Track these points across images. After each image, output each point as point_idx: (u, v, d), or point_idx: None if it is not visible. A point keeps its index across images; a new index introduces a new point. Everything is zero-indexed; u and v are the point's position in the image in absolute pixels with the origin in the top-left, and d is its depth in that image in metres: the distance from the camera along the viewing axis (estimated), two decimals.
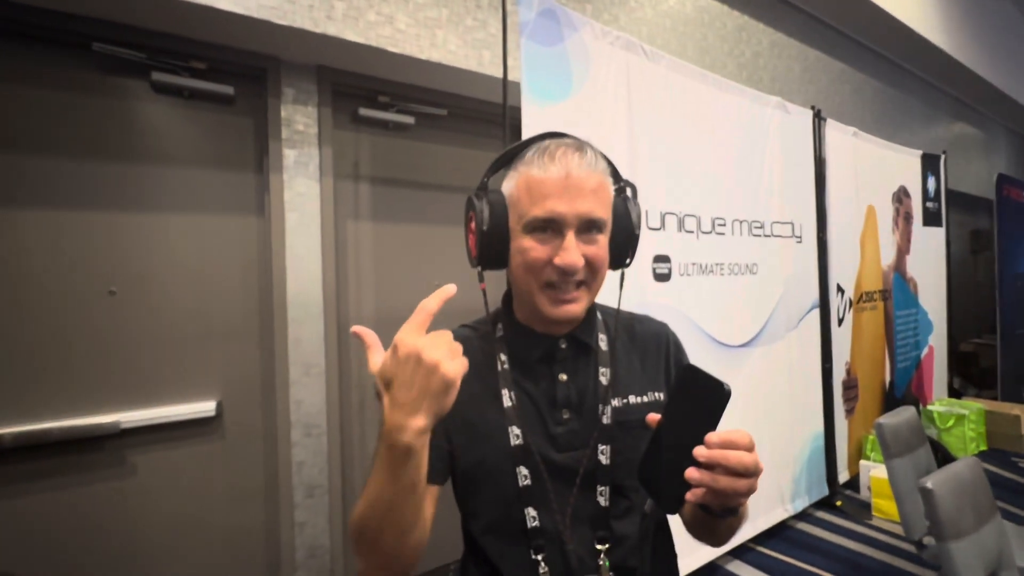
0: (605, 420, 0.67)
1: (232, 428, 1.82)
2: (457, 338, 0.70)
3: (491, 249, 0.67)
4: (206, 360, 1.78)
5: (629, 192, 0.72)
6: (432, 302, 0.51)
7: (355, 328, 0.53)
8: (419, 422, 0.51)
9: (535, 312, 0.68)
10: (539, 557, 0.63)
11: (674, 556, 0.75)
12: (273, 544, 1.87)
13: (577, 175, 0.63)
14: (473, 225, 0.67)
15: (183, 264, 1.74)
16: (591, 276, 0.66)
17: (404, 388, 0.50)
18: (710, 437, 0.50)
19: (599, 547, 0.64)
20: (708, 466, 0.49)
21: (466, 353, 0.68)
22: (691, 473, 0.50)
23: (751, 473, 0.50)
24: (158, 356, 1.69)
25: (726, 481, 0.49)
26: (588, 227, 0.64)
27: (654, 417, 0.56)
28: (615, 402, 0.68)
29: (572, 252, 0.62)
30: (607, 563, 0.64)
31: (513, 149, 0.68)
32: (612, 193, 0.69)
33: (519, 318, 0.73)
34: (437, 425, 0.56)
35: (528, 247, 0.64)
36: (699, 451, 0.49)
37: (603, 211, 0.66)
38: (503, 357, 0.70)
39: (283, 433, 1.85)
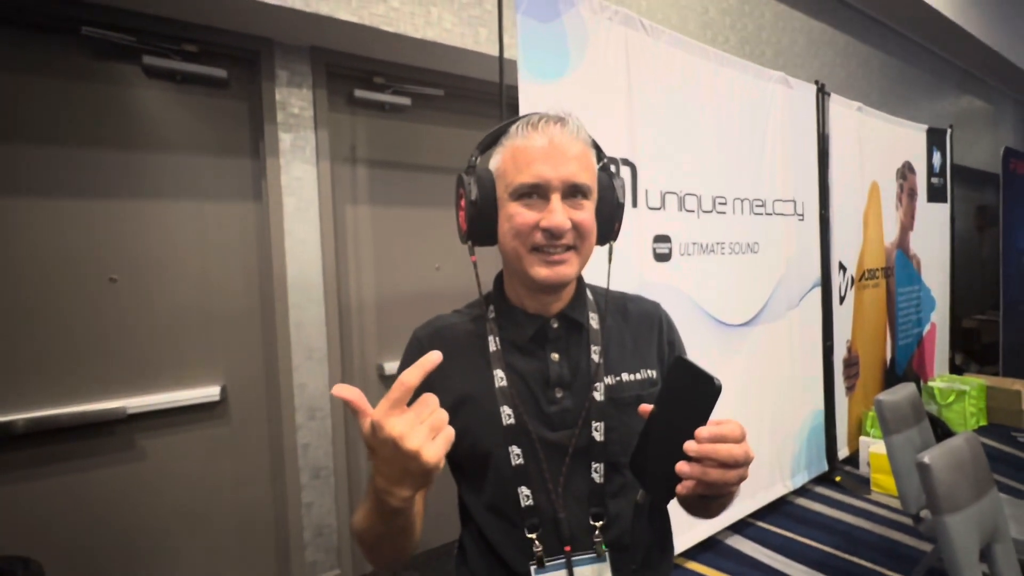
0: (598, 397, 0.67)
1: (237, 412, 1.85)
2: (446, 325, 0.74)
3: (480, 222, 0.68)
4: (209, 346, 1.79)
5: (612, 167, 0.74)
6: (412, 375, 0.47)
7: (338, 391, 0.47)
8: (404, 492, 0.50)
9: (526, 281, 0.68)
10: (533, 536, 0.63)
11: (670, 533, 0.76)
12: (281, 524, 1.91)
13: (560, 141, 0.65)
14: (463, 202, 0.68)
15: (182, 250, 1.74)
16: (580, 240, 0.66)
17: (386, 464, 0.49)
18: (700, 431, 0.50)
19: (594, 524, 0.65)
20: (699, 459, 0.50)
21: (456, 337, 0.72)
22: (681, 467, 0.50)
23: (741, 464, 0.50)
24: (161, 342, 1.71)
25: (716, 473, 0.50)
26: (573, 191, 0.65)
27: (646, 408, 0.57)
28: (608, 379, 0.69)
29: (558, 214, 0.63)
30: (602, 541, 0.64)
31: (499, 128, 0.70)
32: (595, 163, 0.70)
33: (510, 299, 0.73)
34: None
35: (515, 212, 0.65)
36: (689, 446, 0.50)
37: (587, 177, 0.66)
38: (494, 338, 0.70)
39: (288, 416, 1.88)
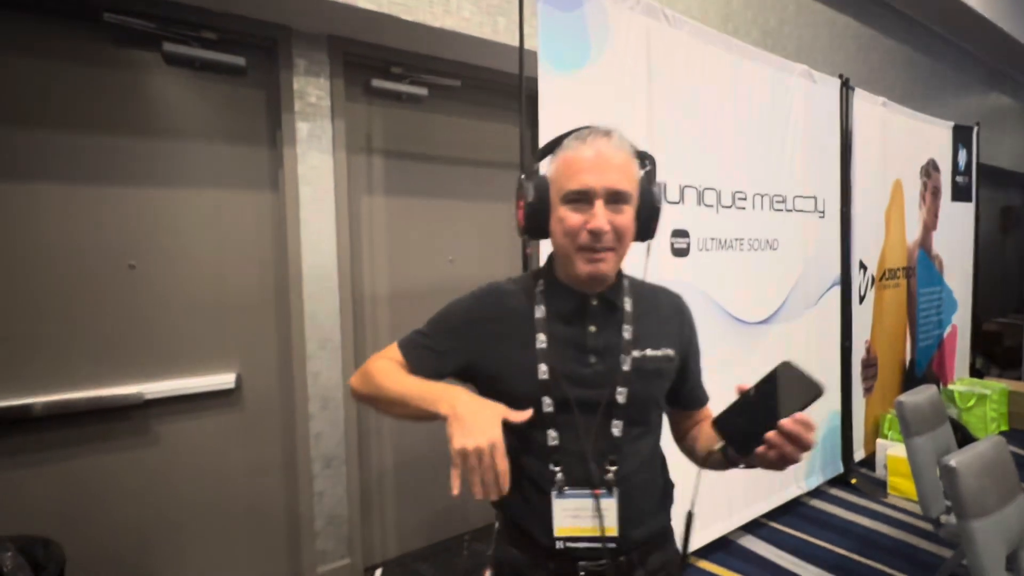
0: (625, 367, 0.79)
1: (251, 400, 1.85)
2: (501, 289, 0.88)
3: (535, 220, 0.80)
4: (225, 333, 1.80)
5: (652, 169, 0.84)
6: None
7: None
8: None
9: (572, 272, 0.80)
10: (557, 468, 0.77)
11: (671, 488, 0.89)
12: (292, 513, 1.92)
13: (605, 153, 0.75)
14: (522, 202, 0.81)
15: (199, 238, 1.75)
16: (618, 242, 0.77)
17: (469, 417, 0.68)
18: (797, 416, 0.66)
19: (609, 467, 0.78)
20: (784, 434, 0.66)
21: (507, 299, 0.85)
22: (771, 436, 0.66)
23: (807, 449, 0.67)
24: (178, 329, 1.72)
25: (790, 449, 0.66)
26: (614, 198, 0.75)
27: (744, 386, 0.71)
28: (635, 353, 0.80)
29: (600, 218, 0.74)
30: (613, 482, 0.77)
31: (554, 140, 0.82)
32: (637, 171, 0.80)
33: (559, 277, 0.84)
34: (456, 342, 0.82)
35: (565, 216, 0.77)
36: (785, 422, 0.65)
37: (627, 185, 0.77)
38: (541, 308, 0.82)
39: (301, 405, 1.88)
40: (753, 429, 0.67)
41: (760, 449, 0.67)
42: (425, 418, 0.74)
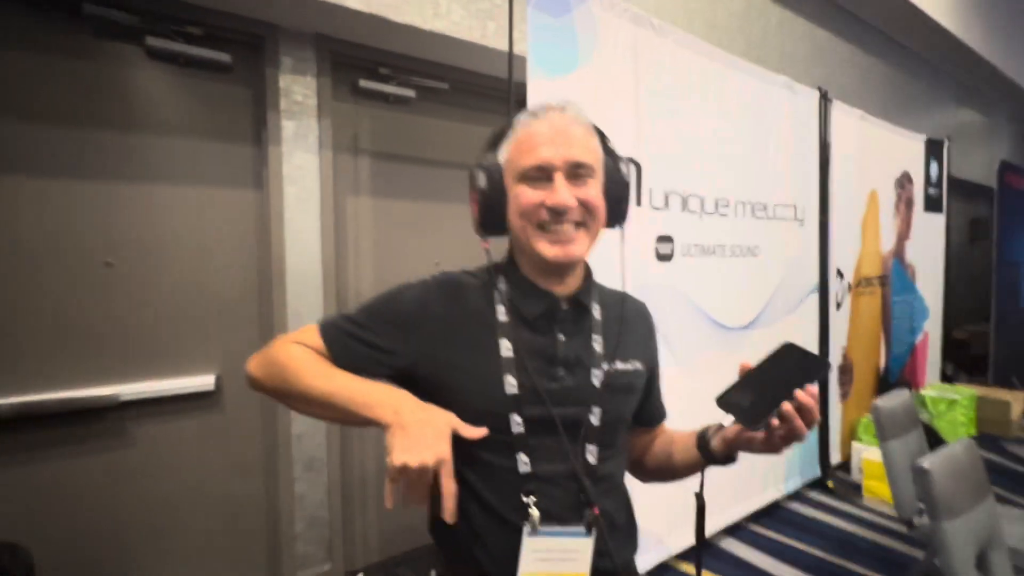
0: (596, 383, 0.71)
1: (231, 402, 1.82)
2: (460, 282, 0.76)
3: (490, 211, 0.70)
4: (205, 334, 1.76)
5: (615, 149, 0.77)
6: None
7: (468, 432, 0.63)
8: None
9: (535, 260, 0.71)
10: (530, 500, 0.66)
11: (634, 514, 0.82)
12: (273, 516, 1.88)
13: (561, 125, 0.68)
14: (474, 194, 0.71)
15: (180, 236, 1.71)
16: (589, 217, 0.69)
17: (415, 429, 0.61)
18: (809, 388, 0.63)
19: (583, 500, 0.68)
20: (797, 407, 0.62)
21: (467, 296, 0.74)
22: (787, 407, 0.62)
23: (814, 425, 0.63)
24: (156, 329, 1.68)
25: (799, 424, 0.62)
26: (576, 170, 0.68)
27: (747, 364, 0.67)
28: (605, 366, 0.72)
29: (562, 192, 0.66)
30: (591, 517, 0.68)
31: (504, 124, 0.74)
32: (599, 146, 0.72)
33: (523, 272, 0.74)
34: (400, 339, 0.69)
35: (520, 192, 0.68)
36: (800, 394, 0.62)
37: (590, 157, 0.69)
38: (502, 309, 0.72)
39: (281, 407, 1.85)
40: (764, 403, 0.66)
41: (773, 422, 0.63)
42: (354, 423, 0.65)
